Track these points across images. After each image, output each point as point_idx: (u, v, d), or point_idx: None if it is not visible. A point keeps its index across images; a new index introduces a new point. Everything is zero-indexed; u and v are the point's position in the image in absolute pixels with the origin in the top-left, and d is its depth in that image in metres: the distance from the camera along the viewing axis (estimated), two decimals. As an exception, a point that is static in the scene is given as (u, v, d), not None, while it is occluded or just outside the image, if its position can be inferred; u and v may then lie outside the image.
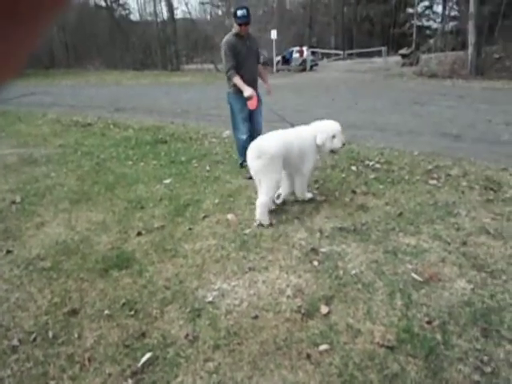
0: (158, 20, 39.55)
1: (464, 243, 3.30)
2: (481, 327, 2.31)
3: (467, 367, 2.04)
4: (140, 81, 24.35)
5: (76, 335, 2.42)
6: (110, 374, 2.12)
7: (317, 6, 45.56)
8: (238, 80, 4.90)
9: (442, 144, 6.57)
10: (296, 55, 28.47)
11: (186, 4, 68.05)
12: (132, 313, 2.59)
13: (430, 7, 41.91)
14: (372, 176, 4.99)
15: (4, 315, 2.64)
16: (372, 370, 2.06)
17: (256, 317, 2.50)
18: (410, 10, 40.01)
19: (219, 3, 44.47)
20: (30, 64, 30.67)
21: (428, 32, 38.73)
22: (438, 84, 16.62)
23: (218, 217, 4.03)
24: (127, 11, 45.08)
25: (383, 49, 27.87)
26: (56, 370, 2.17)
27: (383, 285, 2.77)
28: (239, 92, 4.98)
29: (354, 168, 5.35)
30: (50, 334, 2.44)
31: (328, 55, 35.53)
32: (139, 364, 2.16)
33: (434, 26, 39.07)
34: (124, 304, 2.68)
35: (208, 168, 5.62)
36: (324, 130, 4.10)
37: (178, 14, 45.66)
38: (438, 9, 38.79)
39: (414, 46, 26.59)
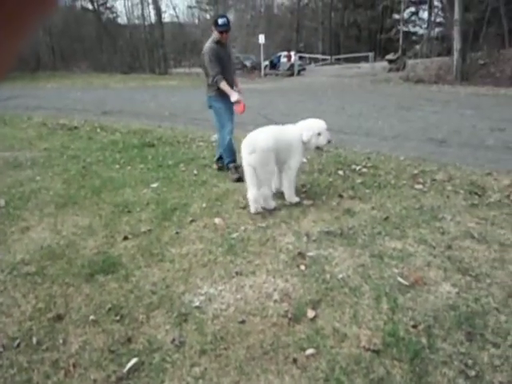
0: (146, 23, 39.44)
1: (449, 247, 3.34)
2: (465, 331, 2.33)
3: (452, 371, 2.06)
4: (128, 84, 24.23)
5: (61, 341, 2.39)
6: (95, 380, 2.10)
7: (304, 11, 45.87)
8: (225, 85, 5.04)
9: (427, 149, 6.65)
10: (284, 60, 28.61)
11: (174, 8, 68.05)
12: (118, 318, 2.57)
13: (416, 13, 42.46)
14: (359, 180, 5.03)
15: (-13, 321, 2.60)
16: (358, 374, 2.07)
17: (243, 321, 2.49)
18: (397, 16, 40.41)
19: (207, 7, 44.49)
20: (15, 67, 30.31)
21: (414, 38, 39.21)
22: (424, 89, 16.81)
23: (205, 221, 4.02)
24: (115, 14, 44.88)
25: (370, 54, 28.20)
26: (40, 377, 2.14)
27: (369, 289, 2.79)
28: (224, 94, 5.13)
29: (340, 172, 5.38)
30: (35, 339, 2.40)
31: (315, 60, 35.74)
32: (125, 370, 2.14)
33: (420, 31, 39.59)
34: (110, 309, 2.66)
35: (195, 172, 5.60)
36: (310, 128, 4.28)
37: (166, 18, 45.46)
38: (424, 15, 39.29)
39: (400, 51, 26.86)
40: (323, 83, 21.08)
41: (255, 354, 2.23)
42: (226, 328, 2.44)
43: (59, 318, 2.60)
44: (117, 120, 10.49)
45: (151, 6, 38.62)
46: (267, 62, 29.12)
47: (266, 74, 28.05)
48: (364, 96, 15.05)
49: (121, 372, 2.14)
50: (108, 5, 43.55)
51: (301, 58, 30.31)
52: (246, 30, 37.77)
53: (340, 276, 2.95)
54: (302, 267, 3.09)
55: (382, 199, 4.43)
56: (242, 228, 3.81)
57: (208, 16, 42.47)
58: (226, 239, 3.60)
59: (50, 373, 2.16)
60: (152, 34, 38.63)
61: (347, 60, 33.26)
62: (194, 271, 3.10)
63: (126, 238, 3.68)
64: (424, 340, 2.28)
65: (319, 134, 4.28)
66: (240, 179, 4.83)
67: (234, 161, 5.25)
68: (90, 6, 41.80)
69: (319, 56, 37.11)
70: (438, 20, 28.82)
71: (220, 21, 5.05)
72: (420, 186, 4.77)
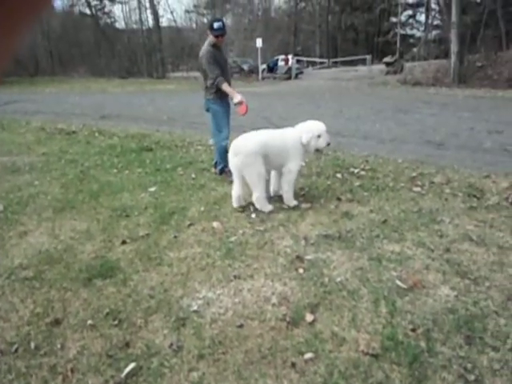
0: (144, 28, 39.57)
1: (447, 250, 3.34)
2: (464, 334, 2.33)
3: (451, 375, 2.05)
4: (125, 88, 24.25)
5: (59, 346, 2.38)
6: (92, 386, 2.09)
7: (301, 15, 46.00)
8: (227, 87, 5.05)
9: (425, 151, 6.66)
10: (281, 63, 28.68)
11: (172, 12, 68.32)
12: (116, 322, 2.55)
13: (413, 16, 42.64)
14: (357, 183, 5.03)
15: (-16, 327, 2.59)
16: (357, 378, 2.06)
17: (241, 325, 2.49)
18: (394, 19, 40.66)
19: (204, 12, 44.60)
20: (14, 72, 30.38)
21: (412, 40, 39.39)
22: (422, 92, 16.86)
23: (203, 225, 4.01)
24: (112, 19, 44.96)
25: (367, 57, 28.21)
26: (38, 382, 2.13)
27: (368, 292, 2.79)
28: (222, 97, 5.17)
29: (339, 175, 5.39)
30: (32, 344, 2.39)
31: (313, 63, 35.82)
32: (123, 374, 2.13)
33: (418, 34, 39.76)
34: (108, 313, 2.65)
35: (193, 176, 5.60)
36: (310, 130, 4.29)
37: (164, 22, 45.55)
38: (421, 18, 39.52)
39: (397, 54, 26.98)
40: (321, 86, 21.12)
41: (253, 358, 2.22)
42: (224, 332, 2.43)
43: (57, 322, 2.59)
44: (115, 124, 10.49)
45: (149, 11, 38.77)
46: (265, 66, 29.19)
47: (263, 78, 28.12)
48: (361, 99, 15.08)
49: (119, 377, 2.13)
50: (106, 10, 43.68)
51: (298, 61, 30.37)
52: (244, 33, 37.86)
53: (338, 279, 2.95)
54: (300, 271, 3.08)
55: (380, 202, 4.43)
56: (240, 232, 3.81)
57: (205, 20, 42.52)
58: (224, 243, 3.59)
59: (48, 378, 2.15)
60: (150, 39, 38.72)
61: (345, 63, 33.36)
62: (192, 275, 3.09)
63: (123, 243, 3.67)
64: (423, 344, 2.27)
65: (319, 136, 4.28)
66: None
67: (227, 166, 5.26)
68: (88, 11, 41.96)
69: (317, 59, 37.19)
70: (436, 23, 28.96)
71: (215, 25, 5.06)
72: (418, 189, 4.78)
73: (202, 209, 4.39)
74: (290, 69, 27.90)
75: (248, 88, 19.37)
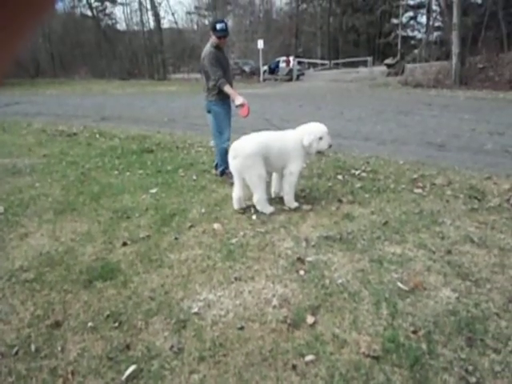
0: (145, 29, 39.64)
1: (449, 252, 3.33)
2: (465, 336, 2.32)
3: (452, 377, 2.05)
4: (126, 90, 24.30)
5: (59, 348, 2.38)
6: (93, 388, 2.09)
7: (303, 16, 46.07)
8: (229, 89, 5.05)
9: (426, 153, 6.65)
10: (283, 65, 28.71)
11: (173, 14, 68.26)
12: (116, 325, 2.55)
13: (414, 18, 42.70)
14: (358, 185, 5.02)
15: (-15, 329, 2.58)
16: (358, 380, 2.05)
17: (242, 327, 2.48)
18: (395, 21, 40.66)
19: (206, 13, 44.67)
20: (15, 73, 30.43)
21: (413, 42, 39.40)
22: (423, 93, 16.86)
23: (204, 226, 4.01)
24: (114, 21, 45.09)
25: (369, 59, 28.28)
26: (38, 385, 2.13)
27: (369, 294, 2.78)
28: (223, 99, 5.17)
29: (340, 177, 5.38)
30: (33, 347, 2.39)
31: (314, 65, 35.88)
32: (123, 377, 2.13)
33: (419, 36, 39.80)
34: (108, 316, 2.64)
35: (194, 177, 5.60)
36: (311, 132, 4.28)
37: (165, 24, 45.78)
38: (423, 19, 39.55)
39: (399, 55, 26.99)
40: (322, 88, 21.13)
41: (254, 360, 2.22)
42: (224, 334, 2.43)
43: (57, 324, 2.58)
44: (116, 126, 10.51)
45: (150, 12, 38.92)
46: (266, 67, 29.22)
47: (264, 79, 28.14)
48: (363, 100, 15.08)
49: (119, 379, 2.12)
50: (107, 11, 43.85)
51: (299, 62, 30.42)
52: (245, 35, 37.90)
53: (339, 281, 2.94)
54: (301, 272, 3.08)
55: (381, 204, 4.42)
56: (241, 233, 3.80)
57: (207, 22, 42.64)
58: (225, 245, 3.59)
59: (48, 381, 2.15)
60: (151, 40, 38.81)
61: (346, 65, 33.39)
62: (192, 277, 3.09)
63: (124, 244, 3.67)
64: (424, 346, 2.26)
65: (321, 138, 4.27)
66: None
67: (228, 168, 5.26)
68: (89, 13, 42.11)
69: (318, 61, 37.25)
70: (437, 24, 28.94)
71: (218, 26, 5.05)
72: (419, 191, 4.77)
73: (203, 210, 4.39)
74: (291, 70, 27.93)
75: (249, 89, 19.38)
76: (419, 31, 41.58)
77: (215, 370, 2.16)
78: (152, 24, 39.43)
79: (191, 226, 4.01)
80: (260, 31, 38.00)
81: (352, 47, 44.55)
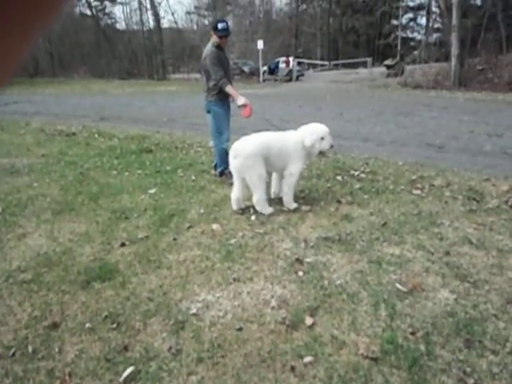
0: (145, 29, 39.59)
1: (447, 253, 3.33)
2: (464, 338, 2.32)
3: (450, 379, 2.04)
4: (126, 90, 24.28)
5: (56, 349, 2.37)
6: (90, 389, 2.08)
7: (303, 17, 46.09)
8: (231, 89, 5.04)
9: (425, 154, 6.66)
10: (282, 65, 28.71)
11: (173, 13, 68.09)
12: (114, 326, 2.54)
13: (414, 19, 42.76)
14: (357, 186, 5.02)
15: (-18, 329, 2.58)
16: (356, 382, 2.05)
17: (240, 329, 2.48)
18: (395, 22, 40.72)
19: (205, 13, 44.65)
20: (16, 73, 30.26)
21: (412, 43, 39.43)
22: (422, 95, 16.86)
23: (203, 227, 4.00)
24: (113, 20, 45.06)
25: (368, 60, 28.30)
26: (35, 386, 2.12)
27: (367, 295, 2.78)
28: (223, 99, 5.17)
29: (339, 178, 5.38)
30: (30, 348, 2.38)
31: (314, 65, 35.89)
32: (121, 379, 2.12)
33: (418, 37, 39.85)
34: (106, 317, 2.63)
35: (193, 178, 5.60)
36: (313, 132, 4.28)
37: (165, 24, 45.71)
38: (422, 21, 39.62)
39: (398, 57, 27.01)
40: (321, 89, 21.14)
41: (253, 361, 2.21)
42: (223, 336, 2.42)
43: (55, 326, 2.58)
44: (115, 126, 10.49)
45: (150, 12, 38.87)
46: (266, 68, 29.22)
47: (264, 80, 28.13)
48: (362, 101, 15.08)
49: (117, 381, 2.12)
50: (107, 10, 43.79)
51: (299, 63, 30.41)
52: (245, 35, 37.88)
53: (338, 282, 2.94)
54: (300, 273, 3.08)
55: (380, 205, 4.42)
56: (240, 234, 3.80)
57: (206, 22, 42.63)
58: (224, 245, 3.58)
59: (45, 382, 2.14)
60: (150, 40, 38.77)
61: (345, 65, 33.38)
62: (191, 278, 3.08)
63: (123, 245, 3.66)
64: (422, 347, 2.26)
65: (322, 139, 4.27)
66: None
67: (227, 168, 5.25)
68: (88, 12, 42.01)
69: (318, 61, 37.26)
70: (436, 26, 28.97)
71: (220, 25, 5.06)
72: (418, 192, 4.77)
73: (202, 211, 4.38)
74: (290, 71, 27.94)
75: (249, 90, 19.38)
76: (419, 33, 41.68)
77: (213, 372, 2.15)
78: (152, 24, 39.44)
79: (190, 227, 4.00)
80: (260, 31, 38.00)
81: (352, 48, 44.59)
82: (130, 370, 2.17)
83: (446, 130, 8.58)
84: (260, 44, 26.12)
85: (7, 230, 4.06)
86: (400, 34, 33.21)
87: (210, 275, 3.11)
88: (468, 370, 2.09)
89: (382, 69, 26.92)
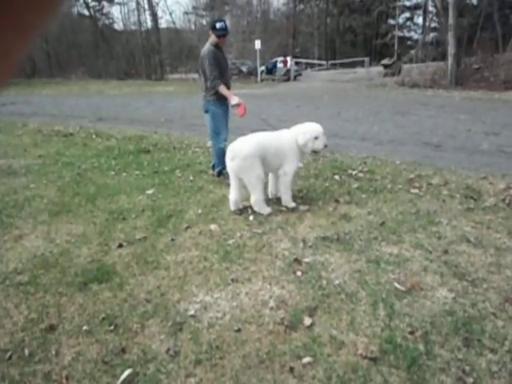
0: (142, 29, 39.57)
1: (445, 252, 3.32)
2: (462, 336, 2.31)
3: (449, 378, 2.04)
4: (123, 90, 24.24)
5: (53, 352, 2.35)
6: (88, 392, 2.07)
7: (300, 17, 46.11)
8: (223, 89, 5.04)
9: (423, 153, 6.66)
10: (280, 65, 28.72)
11: (171, 13, 68.27)
12: (112, 328, 2.53)
13: (410, 19, 42.81)
14: (355, 185, 5.01)
15: (-21, 332, 2.56)
16: (355, 382, 2.04)
17: (239, 330, 2.46)
18: (392, 22, 40.79)
19: (203, 13, 44.63)
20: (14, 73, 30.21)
21: (409, 43, 39.52)
22: (419, 94, 16.88)
23: (201, 227, 3.99)
24: (111, 20, 45.01)
25: (366, 59, 28.33)
26: (32, 389, 2.11)
27: (366, 295, 2.77)
28: (221, 99, 5.14)
29: (337, 177, 5.37)
30: (27, 351, 2.36)
31: (311, 65, 35.91)
32: (119, 381, 2.10)
33: (415, 36, 39.93)
34: (103, 319, 2.62)
35: (191, 178, 5.58)
36: (307, 131, 4.29)
37: (162, 24, 45.56)
38: (419, 20, 39.67)
39: (395, 56, 27.06)
40: (319, 88, 21.14)
41: (251, 363, 2.20)
42: (221, 337, 2.41)
43: (52, 328, 2.56)
44: (112, 126, 10.47)
45: (147, 12, 38.80)
46: (263, 68, 29.22)
47: (262, 80, 28.14)
48: (359, 101, 15.09)
49: None
50: (104, 11, 43.76)
51: (297, 63, 30.43)
52: (242, 35, 37.87)
53: (336, 282, 2.93)
54: (299, 273, 3.07)
55: (378, 204, 4.42)
56: (238, 234, 3.79)
57: (204, 22, 42.63)
58: (222, 246, 3.57)
59: (42, 385, 2.13)
60: (148, 40, 38.74)
61: (343, 65, 33.42)
62: (189, 279, 3.07)
63: (120, 246, 3.64)
64: (421, 346, 2.25)
65: (316, 138, 4.28)
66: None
67: (225, 168, 5.25)
68: (86, 12, 41.95)
69: (315, 61, 37.28)
70: (433, 25, 28.99)
71: (218, 25, 5.07)
72: (416, 191, 4.77)
73: (200, 211, 4.37)
74: (288, 71, 27.95)
75: (246, 90, 19.38)
76: (415, 32, 41.74)
77: (212, 374, 2.14)
78: (149, 24, 39.43)
79: (188, 227, 3.99)
80: (257, 31, 37.98)
81: (349, 48, 44.62)
82: (127, 372, 2.15)
83: (443, 129, 8.59)
84: (258, 44, 26.14)
85: (4, 232, 4.04)
86: (397, 33, 33.28)
87: (208, 276, 3.10)
88: (467, 368, 2.09)
89: (380, 68, 26.97)
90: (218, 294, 2.86)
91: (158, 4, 49.75)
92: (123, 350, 2.33)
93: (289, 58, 28.93)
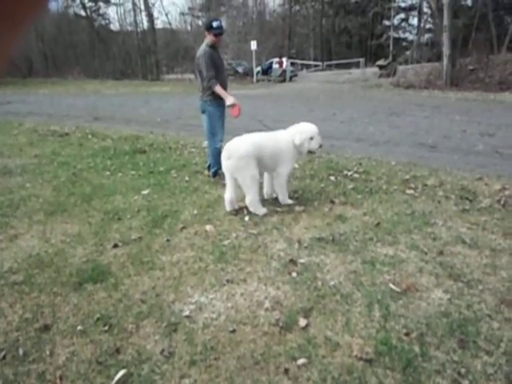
0: (139, 30, 39.49)
1: (440, 253, 3.33)
2: (458, 338, 2.31)
3: (445, 380, 2.03)
4: (119, 90, 24.18)
5: (47, 352, 2.34)
6: (82, 393, 2.06)
7: (296, 18, 46.16)
8: (220, 89, 5.03)
9: (418, 154, 6.67)
10: (276, 66, 28.74)
11: (167, 14, 67.93)
12: (106, 328, 2.52)
13: (405, 20, 42.97)
14: (350, 186, 5.02)
15: (-28, 332, 2.54)
16: None
17: (233, 331, 2.46)
18: (387, 23, 40.95)
19: (199, 14, 44.58)
20: (7, 73, 30.19)
21: (404, 44, 39.65)
22: (415, 95, 16.93)
23: (196, 228, 3.98)
24: (107, 21, 44.90)
25: (361, 60, 28.34)
26: (26, 390, 2.09)
27: (361, 296, 2.77)
28: (218, 100, 5.13)
29: (332, 178, 5.38)
30: (21, 351, 2.35)
31: (307, 66, 35.95)
32: (113, 382, 2.09)
33: (410, 37, 40.08)
34: (98, 319, 2.61)
35: (187, 178, 5.57)
36: (303, 131, 4.31)
37: (159, 25, 45.65)
38: (414, 21, 39.83)
39: (391, 57, 27.15)
40: (315, 89, 21.16)
41: (246, 364, 2.19)
42: (216, 338, 2.40)
43: (46, 328, 2.55)
44: (108, 126, 10.44)
45: (144, 13, 38.76)
46: (259, 68, 29.24)
47: (258, 80, 28.13)
48: (355, 102, 15.11)
49: (109, 384, 2.09)
50: (101, 11, 43.61)
51: (292, 64, 30.44)
52: (238, 36, 37.83)
53: (332, 283, 2.93)
54: (294, 274, 3.06)
55: (373, 205, 4.42)
56: (234, 235, 3.78)
57: (200, 23, 42.56)
58: (217, 246, 3.56)
59: (36, 385, 2.11)
60: (144, 41, 38.68)
61: (338, 66, 33.44)
62: (184, 279, 3.06)
63: (115, 246, 3.63)
64: (417, 348, 2.25)
65: (311, 138, 4.30)
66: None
67: (221, 169, 5.24)
68: (82, 13, 41.87)
69: (311, 62, 37.31)
70: (428, 26, 29.15)
71: (215, 24, 5.09)
72: (411, 192, 4.78)
73: (195, 212, 4.36)
74: (284, 71, 27.95)
75: (242, 90, 19.38)
76: (411, 33, 41.92)
77: (206, 375, 2.13)
78: (145, 24, 39.34)
79: (183, 228, 3.98)
80: (253, 32, 37.99)
81: (344, 49, 44.70)
82: (121, 372, 2.14)
83: (438, 130, 8.61)
84: (253, 45, 26.12)
85: (-2, 232, 4.02)
86: (392, 34, 33.42)
87: (204, 276, 3.09)
88: (462, 371, 2.09)
89: (375, 69, 27.00)
90: (213, 295, 2.85)
91: (154, 5, 49.60)
92: (117, 351, 2.32)
93: (284, 59, 28.94)
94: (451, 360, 2.16)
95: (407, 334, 2.36)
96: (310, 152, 4.44)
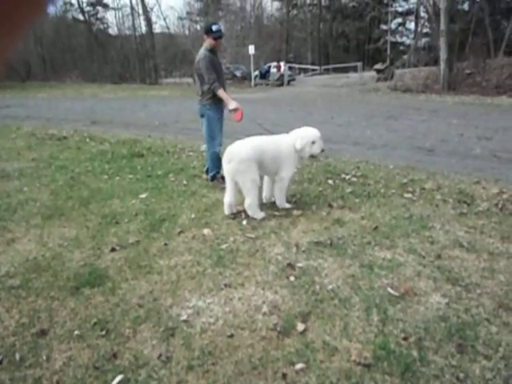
0: (137, 34, 39.59)
1: (438, 257, 3.33)
2: (456, 343, 2.31)
3: (443, 384, 2.03)
4: (118, 94, 24.17)
5: (44, 357, 2.32)
6: (79, 399, 2.04)
7: (293, 22, 46.33)
8: (222, 93, 5.05)
9: (416, 158, 6.68)
10: (274, 70, 28.82)
11: (165, 19, 68.28)
12: (103, 333, 2.50)
13: (403, 24, 43.20)
14: (348, 190, 5.02)
15: (-32, 337, 2.52)
16: (348, 388, 2.03)
17: (231, 335, 2.45)
18: (384, 27, 41.12)
19: (197, 18, 44.70)
20: (5, 77, 30.18)
21: (402, 48, 39.83)
22: (412, 98, 16.98)
23: (194, 232, 3.97)
24: (105, 25, 45.00)
25: (359, 64, 28.46)
26: (22, 395, 2.08)
27: (359, 300, 2.76)
28: (217, 104, 5.15)
29: (330, 182, 5.38)
30: (17, 356, 2.33)
31: (305, 70, 36.02)
32: (110, 387, 2.08)
33: (408, 42, 40.26)
34: (95, 323, 2.59)
35: (185, 182, 5.57)
36: (304, 136, 4.30)
37: (157, 29, 45.53)
38: (411, 25, 40.02)
39: (388, 61, 27.25)
40: (312, 93, 21.20)
41: (244, 369, 2.18)
42: (214, 342, 2.39)
43: (43, 333, 2.53)
44: (106, 130, 10.43)
45: (142, 17, 38.80)
46: (257, 73, 29.31)
47: (256, 84, 28.19)
48: (353, 105, 15.15)
49: (106, 389, 2.08)
50: (99, 16, 43.75)
51: (290, 68, 30.52)
52: (236, 40, 37.94)
53: (330, 287, 2.92)
54: (292, 278, 3.05)
55: (371, 208, 4.42)
56: (231, 239, 3.77)
57: (198, 27, 42.67)
58: (215, 250, 3.55)
59: (32, 391, 2.10)
60: (143, 45, 38.76)
61: (336, 70, 33.54)
62: (182, 283, 3.05)
63: (113, 250, 3.62)
64: (415, 353, 2.24)
65: (313, 142, 4.30)
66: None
67: (219, 172, 5.25)
68: (81, 17, 41.95)
69: (308, 66, 37.41)
70: (425, 30, 29.25)
71: (214, 27, 5.11)
72: (409, 195, 4.78)
73: (193, 216, 4.35)
74: (282, 75, 28.03)
75: (241, 94, 19.39)
76: (408, 37, 42.14)
77: (204, 380, 2.12)
78: (144, 29, 39.46)
79: (181, 232, 3.97)
80: (251, 37, 38.08)
81: (342, 53, 44.82)
82: (119, 378, 2.13)
83: (435, 134, 8.64)
84: (251, 49, 26.21)
85: (-5, 236, 4.00)
86: (389, 38, 33.55)
87: (201, 281, 3.08)
88: (461, 375, 2.08)
89: (372, 73, 27.10)
90: (211, 299, 2.84)
91: (152, 9, 49.85)
92: (115, 356, 2.31)
93: (282, 63, 29.04)
94: (450, 364, 2.15)
95: (405, 339, 2.36)
96: (312, 156, 4.45)
